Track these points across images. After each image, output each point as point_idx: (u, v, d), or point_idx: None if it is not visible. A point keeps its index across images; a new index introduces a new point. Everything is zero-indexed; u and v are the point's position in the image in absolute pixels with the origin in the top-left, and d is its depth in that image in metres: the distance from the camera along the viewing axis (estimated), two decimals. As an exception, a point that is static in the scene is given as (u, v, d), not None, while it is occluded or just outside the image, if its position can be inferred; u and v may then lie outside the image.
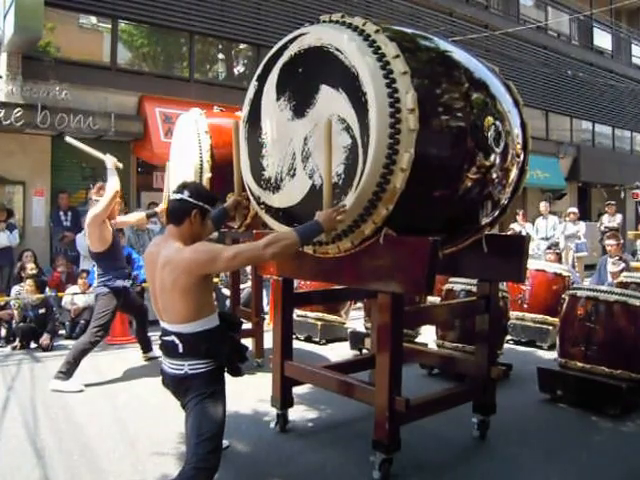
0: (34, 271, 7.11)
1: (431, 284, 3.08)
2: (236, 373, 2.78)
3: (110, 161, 5.27)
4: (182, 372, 2.64)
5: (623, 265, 7.47)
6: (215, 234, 5.54)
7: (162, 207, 5.46)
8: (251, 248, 2.68)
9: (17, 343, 6.43)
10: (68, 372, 4.88)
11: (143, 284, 7.03)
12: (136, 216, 5.24)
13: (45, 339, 6.38)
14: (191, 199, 2.66)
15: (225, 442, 3.59)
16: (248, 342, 5.39)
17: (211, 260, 2.55)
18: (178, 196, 2.70)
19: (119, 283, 5.19)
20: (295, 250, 2.83)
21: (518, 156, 3.64)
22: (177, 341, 2.63)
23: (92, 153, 5.46)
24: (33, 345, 6.47)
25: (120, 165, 5.28)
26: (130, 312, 5.97)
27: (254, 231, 4.23)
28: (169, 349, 2.68)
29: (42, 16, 8.09)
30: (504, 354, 5.61)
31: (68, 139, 5.45)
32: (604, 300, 4.67)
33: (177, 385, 2.70)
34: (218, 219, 3.35)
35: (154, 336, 5.97)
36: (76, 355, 4.97)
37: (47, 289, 7.11)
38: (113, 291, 5.14)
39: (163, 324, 2.73)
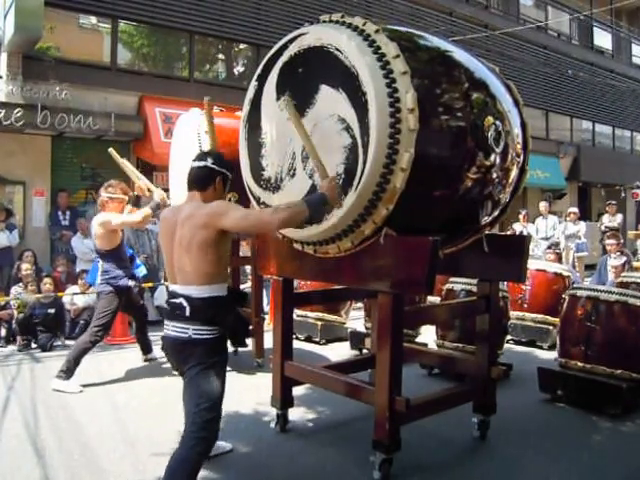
0: (29, 272, 7.10)
1: (431, 284, 3.08)
2: (240, 342, 2.83)
3: (158, 195, 5.19)
4: (186, 336, 2.66)
5: (625, 259, 7.50)
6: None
7: (139, 185, 5.36)
8: (261, 213, 2.78)
9: (19, 340, 6.42)
10: (69, 371, 4.89)
11: (143, 284, 7.04)
12: (141, 214, 5.13)
13: (43, 340, 6.37)
14: (215, 166, 2.81)
15: (228, 445, 3.62)
16: (248, 342, 5.39)
17: (224, 212, 2.64)
18: (202, 163, 2.82)
19: (123, 282, 5.19)
20: (303, 219, 2.79)
21: (518, 156, 3.64)
22: (185, 303, 2.66)
23: (135, 176, 5.45)
24: (33, 345, 6.46)
25: (168, 202, 5.17)
26: (130, 313, 5.97)
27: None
28: (175, 312, 2.70)
29: (42, 16, 8.10)
30: (504, 354, 5.61)
31: (112, 152, 5.43)
32: (604, 300, 4.66)
33: (179, 350, 2.72)
34: (316, 205, 3.32)
35: (154, 337, 5.99)
36: (76, 354, 4.97)
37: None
38: (116, 290, 5.13)
39: (173, 287, 2.76)
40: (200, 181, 2.81)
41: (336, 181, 2.99)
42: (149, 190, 5.32)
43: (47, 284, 6.76)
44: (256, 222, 2.79)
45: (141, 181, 5.42)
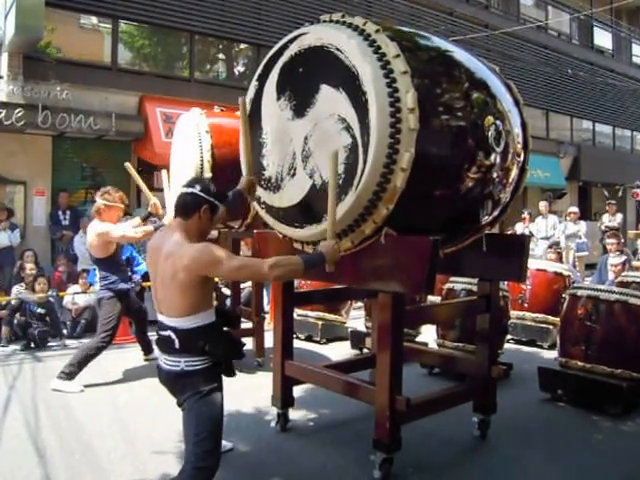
0: (33, 271, 7.11)
1: (431, 284, 3.08)
2: (229, 373, 2.76)
3: (151, 204, 5.30)
4: (178, 368, 2.61)
5: (625, 257, 7.52)
6: (215, 232, 5.54)
7: (154, 202, 5.39)
8: (257, 265, 2.63)
9: (22, 340, 6.44)
10: (71, 374, 4.88)
11: (143, 283, 7.05)
12: (142, 231, 5.13)
13: (44, 341, 6.38)
14: (202, 194, 2.65)
15: (229, 444, 3.62)
16: (248, 341, 5.39)
17: (214, 264, 2.51)
18: (190, 190, 2.67)
19: (122, 286, 5.19)
20: (297, 277, 2.80)
21: (518, 155, 3.64)
22: (173, 336, 2.61)
23: (143, 188, 5.54)
24: (33, 345, 6.46)
25: (161, 212, 5.21)
26: (130, 314, 5.96)
27: (255, 231, 4.24)
28: (165, 345, 2.66)
29: (43, 16, 8.11)
30: (504, 353, 5.61)
31: (129, 167, 5.50)
32: (605, 299, 4.67)
33: (173, 382, 2.69)
34: (234, 201, 3.29)
35: (155, 336, 6.00)
36: (81, 359, 4.96)
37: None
38: (117, 294, 5.14)
39: (160, 317, 2.70)
40: (184, 208, 2.66)
41: (338, 245, 2.98)
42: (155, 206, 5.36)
43: (41, 284, 6.76)
44: (250, 275, 2.78)
45: (154, 199, 5.44)
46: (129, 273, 5.55)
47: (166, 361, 2.67)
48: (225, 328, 2.81)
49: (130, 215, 5.42)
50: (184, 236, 2.59)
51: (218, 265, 2.51)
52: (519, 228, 10.98)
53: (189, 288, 2.54)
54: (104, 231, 5.01)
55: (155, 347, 5.74)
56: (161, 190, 5.72)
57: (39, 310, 6.60)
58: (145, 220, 5.36)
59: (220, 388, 2.70)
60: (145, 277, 6.98)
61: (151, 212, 5.36)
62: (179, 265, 2.51)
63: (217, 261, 2.51)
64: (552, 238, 10.83)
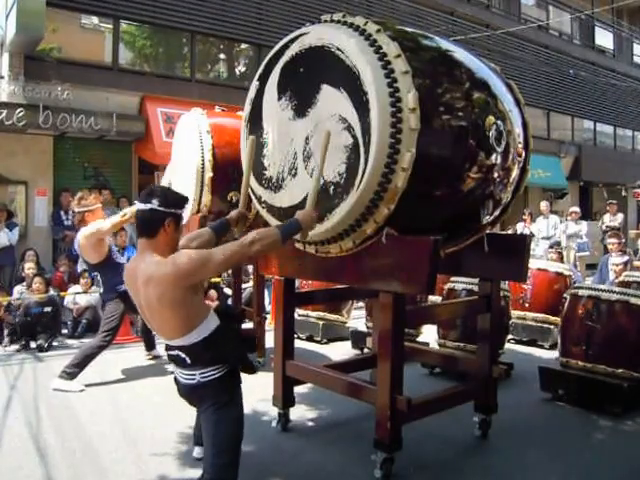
0: (32, 270, 7.12)
1: (432, 284, 3.08)
2: (249, 370, 2.75)
3: (130, 211, 5.18)
4: (194, 381, 2.58)
5: (627, 257, 7.53)
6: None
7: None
8: (238, 248, 2.53)
9: (21, 341, 6.45)
10: (72, 374, 4.89)
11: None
12: (128, 210, 5.12)
13: (39, 341, 6.38)
14: (162, 208, 2.45)
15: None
16: (240, 332, 5.38)
17: (198, 268, 2.41)
18: (147, 206, 2.46)
19: (124, 288, 5.18)
20: (278, 247, 2.77)
21: (519, 155, 3.64)
22: (182, 355, 2.57)
23: None
24: (32, 345, 6.46)
25: (130, 220, 5.04)
26: (137, 312, 5.97)
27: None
28: (177, 362, 2.63)
29: (44, 16, 8.12)
30: (505, 353, 5.61)
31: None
32: (606, 299, 4.66)
33: (191, 394, 2.66)
34: (219, 231, 3.08)
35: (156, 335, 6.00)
36: (83, 358, 4.97)
37: (50, 288, 7.13)
38: (120, 295, 5.15)
39: (164, 340, 2.67)
40: (147, 227, 2.46)
41: (316, 215, 2.98)
42: None
43: (37, 283, 6.75)
44: (236, 262, 2.68)
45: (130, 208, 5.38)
46: None
47: (182, 374, 2.64)
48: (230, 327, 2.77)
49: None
50: (155, 255, 2.44)
51: (204, 266, 2.42)
52: (520, 228, 10.98)
53: (179, 304, 2.43)
54: (94, 229, 4.97)
55: (162, 350, 5.79)
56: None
57: (45, 309, 6.59)
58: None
59: (238, 396, 2.67)
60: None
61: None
62: (164, 283, 2.38)
63: (201, 264, 2.41)
64: (553, 238, 10.83)
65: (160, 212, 2.45)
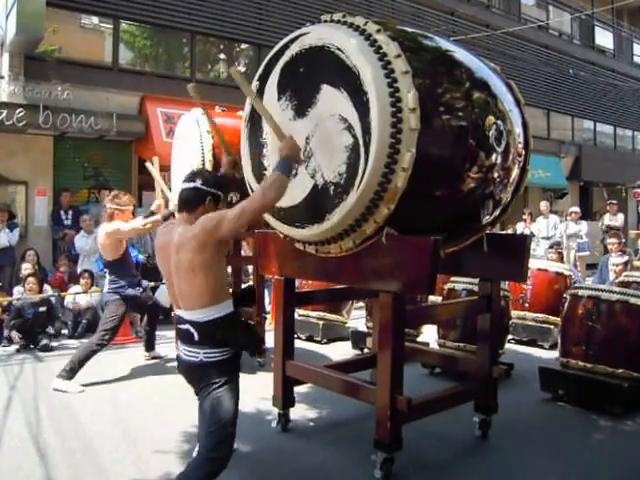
0: (28, 271, 7.11)
1: (432, 283, 3.08)
2: (257, 351, 2.82)
3: (155, 204, 5.43)
4: (197, 360, 2.67)
5: (627, 258, 7.53)
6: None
7: (159, 203, 5.45)
8: (253, 200, 2.71)
9: (18, 340, 6.44)
10: (72, 372, 4.90)
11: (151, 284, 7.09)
12: (150, 220, 5.16)
13: (44, 341, 6.37)
14: (204, 187, 2.76)
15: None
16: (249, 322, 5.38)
17: (218, 223, 2.60)
18: (191, 185, 2.78)
19: (130, 291, 5.25)
20: (286, 185, 2.82)
21: (519, 155, 3.64)
22: (192, 330, 2.67)
23: (159, 184, 5.57)
24: (32, 345, 6.46)
25: (159, 216, 5.12)
26: (142, 311, 6.05)
27: (256, 231, 4.24)
28: (185, 337, 2.72)
29: (44, 17, 8.11)
30: (505, 353, 5.61)
31: (149, 165, 5.55)
32: (606, 299, 4.66)
33: (191, 372, 2.74)
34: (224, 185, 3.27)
35: (157, 335, 6.01)
36: (81, 357, 4.98)
37: (49, 288, 7.12)
38: (123, 298, 5.19)
39: (179, 312, 2.76)
40: (189, 203, 2.78)
41: (292, 139, 3.00)
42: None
43: (30, 283, 6.75)
44: (252, 214, 2.72)
45: (160, 200, 5.51)
46: (139, 277, 5.60)
47: (186, 352, 2.73)
48: (243, 312, 2.90)
49: (133, 215, 5.46)
50: (187, 226, 2.70)
51: (222, 221, 2.59)
52: (520, 228, 10.98)
53: (207, 267, 2.61)
54: (114, 229, 5.08)
55: (161, 351, 5.82)
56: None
57: (40, 309, 6.59)
58: (166, 219, 5.38)
59: (237, 380, 2.76)
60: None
61: (153, 211, 5.38)
62: (193, 245, 2.60)
63: (219, 219, 2.60)
64: (553, 238, 10.83)
65: (203, 190, 2.77)
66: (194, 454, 2.75)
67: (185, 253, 2.62)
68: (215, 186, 2.82)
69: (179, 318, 2.76)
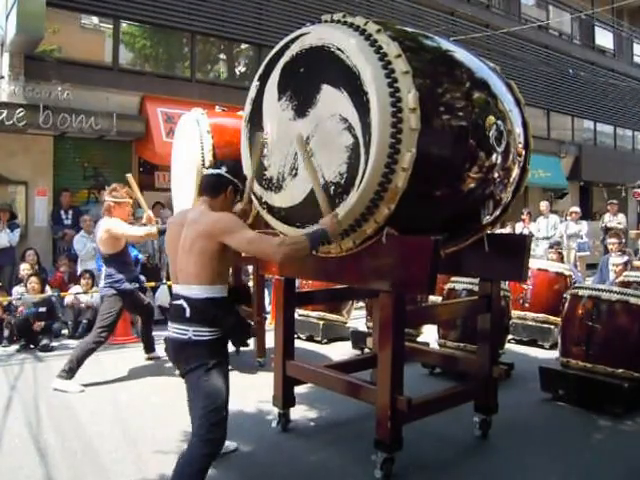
0: (27, 271, 7.10)
1: (432, 284, 3.08)
2: (240, 342, 2.84)
3: (145, 216, 5.48)
4: (186, 337, 2.68)
5: (627, 258, 7.53)
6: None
7: (148, 214, 5.50)
8: (267, 242, 2.74)
9: (20, 341, 6.44)
10: (71, 371, 4.90)
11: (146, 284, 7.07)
12: (145, 231, 5.24)
13: (44, 341, 6.37)
14: (228, 175, 2.87)
15: (233, 444, 3.62)
16: (250, 341, 5.39)
17: (230, 230, 2.66)
18: (216, 171, 2.90)
19: (126, 286, 5.24)
20: (303, 254, 2.87)
21: (520, 155, 3.64)
22: (185, 305, 2.70)
23: (140, 200, 5.57)
24: (32, 345, 6.46)
25: (154, 229, 5.20)
26: (136, 312, 6.03)
27: (256, 231, 4.24)
28: (176, 313, 2.74)
29: (44, 17, 8.11)
30: (506, 353, 5.61)
31: (129, 177, 5.53)
32: (606, 299, 4.66)
33: (179, 351, 2.75)
34: None
35: (156, 336, 6.00)
36: (79, 355, 4.99)
37: (49, 288, 7.12)
38: (120, 293, 5.18)
39: (176, 287, 2.81)
40: (212, 188, 2.87)
41: (337, 218, 3.01)
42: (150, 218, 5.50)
43: (33, 283, 6.76)
44: (259, 251, 2.85)
45: (149, 211, 5.55)
46: (136, 273, 5.59)
47: (174, 329, 2.75)
48: (237, 305, 2.94)
49: (134, 216, 5.49)
50: (208, 209, 2.79)
51: (234, 232, 2.66)
52: (519, 228, 10.98)
53: (208, 256, 2.66)
54: (110, 226, 5.11)
55: (161, 351, 5.82)
56: (162, 190, 5.75)
57: (40, 310, 6.60)
58: (160, 234, 5.41)
59: (226, 362, 2.79)
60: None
61: (145, 224, 5.42)
62: (203, 230, 2.67)
63: (233, 228, 2.67)
64: (552, 238, 10.83)
65: (226, 178, 2.87)
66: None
67: (193, 232, 2.70)
68: (238, 177, 2.94)
69: (175, 294, 2.81)
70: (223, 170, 2.88)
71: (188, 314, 2.69)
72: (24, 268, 7.20)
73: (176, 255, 2.80)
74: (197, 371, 2.66)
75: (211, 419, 2.62)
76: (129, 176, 5.50)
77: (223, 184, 2.86)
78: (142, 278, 5.62)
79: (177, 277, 2.80)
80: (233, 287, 2.88)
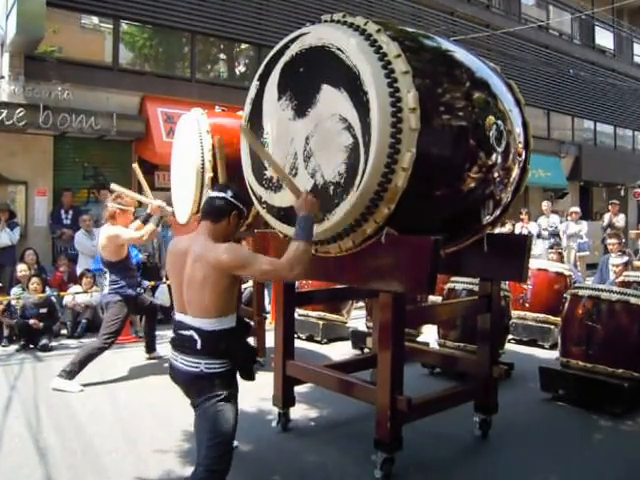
0: (25, 272, 7.09)
1: (432, 284, 3.08)
2: (249, 376, 2.78)
3: (150, 206, 5.46)
4: (198, 370, 2.61)
5: (627, 258, 7.54)
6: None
7: (155, 205, 5.47)
8: (281, 268, 2.66)
9: (20, 341, 6.44)
10: (71, 373, 4.90)
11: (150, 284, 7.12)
12: (147, 231, 5.26)
13: (43, 341, 6.37)
14: (233, 200, 2.74)
15: (234, 442, 3.61)
16: (250, 341, 5.40)
17: (244, 265, 2.60)
18: (221, 194, 2.76)
19: (130, 292, 5.28)
20: (311, 253, 2.80)
21: (520, 155, 3.64)
22: (196, 336, 2.62)
23: (136, 197, 5.60)
24: (32, 345, 6.45)
25: (152, 225, 5.30)
26: (141, 312, 6.10)
27: (256, 230, 4.24)
28: (186, 345, 2.65)
29: (44, 17, 8.10)
30: (506, 353, 5.61)
31: (136, 167, 5.60)
32: (606, 299, 4.66)
33: (190, 383, 2.68)
34: None
35: (157, 336, 6.01)
36: (82, 359, 4.99)
37: (48, 288, 7.12)
38: (124, 299, 5.20)
39: (183, 317, 2.69)
40: (216, 213, 2.73)
41: (310, 194, 2.95)
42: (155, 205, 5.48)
43: (35, 284, 6.75)
44: (273, 278, 3.04)
45: (156, 201, 5.53)
46: (138, 278, 5.62)
47: (184, 362, 2.65)
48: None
49: (134, 215, 5.50)
50: (211, 239, 2.67)
51: (246, 266, 2.61)
52: (518, 228, 10.98)
53: (220, 288, 2.60)
54: (114, 234, 5.12)
55: (162, 351, 5.83)
56: (162, 189, 5.76)
57: (41, 310, 6.59)
58: (145, 222, 5.41)
59: (236, 394, 2.72)
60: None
61: (150, 214, 5.41)
62: (212, 265, 2.58)
63: (248, 262, 2.62)
64: (553, 237, 10.84)
65: (232, 203, 2.74)
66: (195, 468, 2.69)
67: (201, 267, 2.60)
68: (242, 202, 2.80)
69: (181, 324, 2.69)
70: (229, 194, 2.74)
71: (199, 346, 2.61)
72: (21, 269, 7.18)
73: (180, 285, 2.71)
74: (209, 401, 2.61)
75: (219, 451, 2.59)
76: (135, 165, 5.59)
77: (228, 209, 2.73)
78: (145, 283, 5.63)
79: (185, 308, 2.70)
80: (239, 318, 2.79)
